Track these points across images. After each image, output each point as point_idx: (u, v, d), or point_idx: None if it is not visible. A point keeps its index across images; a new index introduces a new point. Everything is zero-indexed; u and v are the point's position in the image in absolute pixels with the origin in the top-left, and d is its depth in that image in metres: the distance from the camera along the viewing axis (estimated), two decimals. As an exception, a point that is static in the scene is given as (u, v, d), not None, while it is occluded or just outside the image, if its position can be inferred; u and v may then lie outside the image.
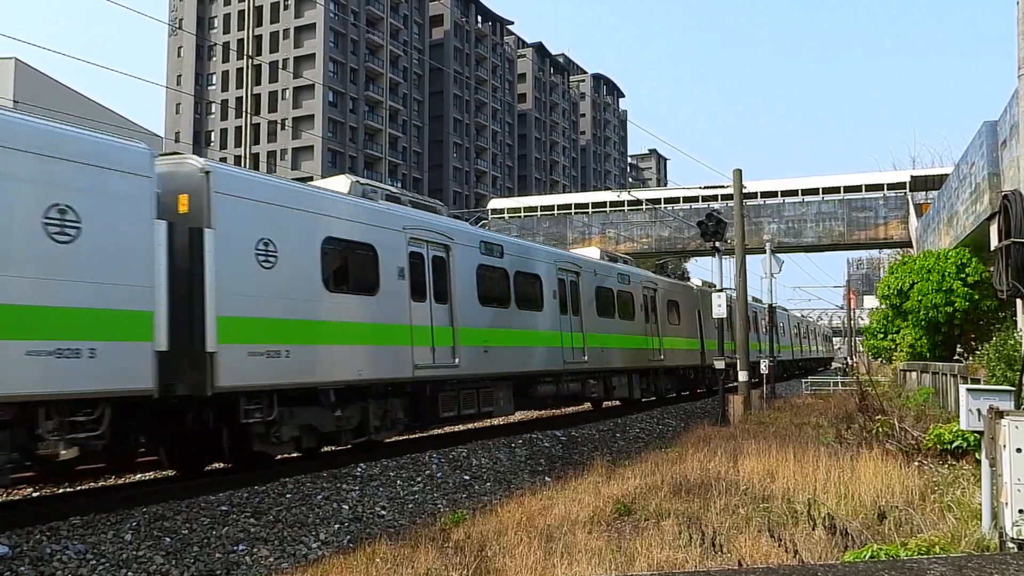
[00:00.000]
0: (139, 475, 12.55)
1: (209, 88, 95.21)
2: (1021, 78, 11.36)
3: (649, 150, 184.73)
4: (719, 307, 22.57)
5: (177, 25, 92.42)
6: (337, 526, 9.70)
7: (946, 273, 22.06)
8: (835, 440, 13.63)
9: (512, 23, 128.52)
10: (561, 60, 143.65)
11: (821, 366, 69.47)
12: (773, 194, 53.22)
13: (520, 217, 58.50)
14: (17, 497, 10.81)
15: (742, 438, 14.54)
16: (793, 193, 53.16)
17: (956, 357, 22.90)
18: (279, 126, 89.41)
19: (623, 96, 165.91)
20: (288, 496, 10.06)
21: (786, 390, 35.62)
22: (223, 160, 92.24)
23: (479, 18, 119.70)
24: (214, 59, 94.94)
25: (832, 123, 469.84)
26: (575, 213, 58.00)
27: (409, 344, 13.09)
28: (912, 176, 50.60)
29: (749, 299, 28.59)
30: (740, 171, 25.60)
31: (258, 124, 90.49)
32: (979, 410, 6.94)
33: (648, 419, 20.98)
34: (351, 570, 7.32)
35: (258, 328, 10.26)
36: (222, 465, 11.73)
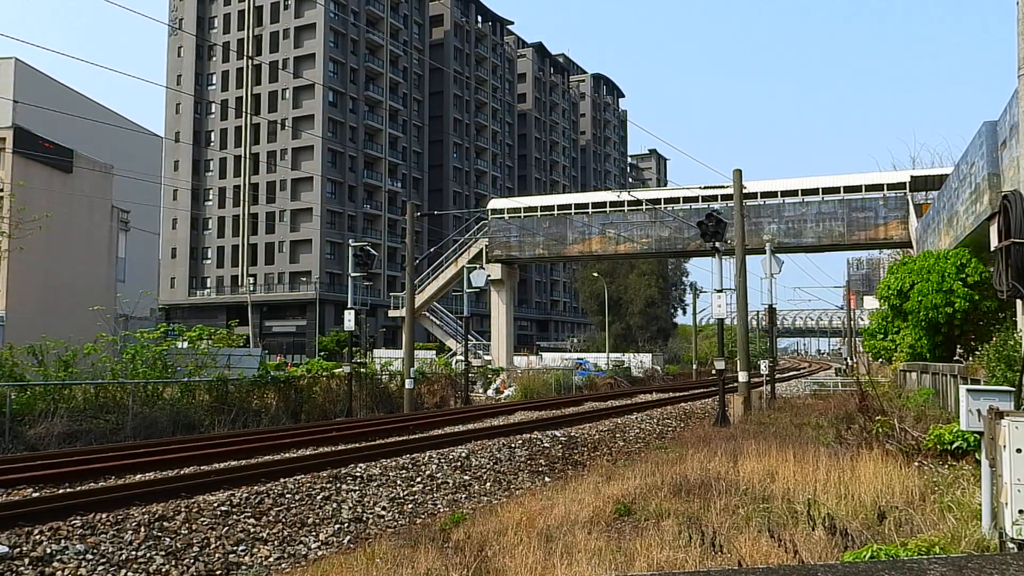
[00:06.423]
0: (139, 475, 12.53)
1: (209, 88, 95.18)
2: (1021, 78, 11.34)
3: (649, 150, 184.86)
4: (719, 307, 22.57)
5: (177, 25, 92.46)
6: (337, 526, 9.70)
7: (946, 273, 22.06)
8: (835, 440, 13.62)
9: (512, 23, 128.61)
10: (561, 60, 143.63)
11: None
12: (773, 194, 53.12)
13: (520, 217, 58.40)
14: (17, 497, 10.79)
15: (742, 438, 14.51)
16: (793, 193, 53.05)
17: (956, 358, 22.91)
18: (279, 126, 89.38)
19: (623, 96, 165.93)
20: (288, 496, 10.05)
21: (786, 391, 35.59)
22: (223, 160, 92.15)
23: (479, 18, 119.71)
24: (214, 59, 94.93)
25: (832, 123, 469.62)
26: (575, 213, 57.91)
27: None
28: (912, 176, 50.49)
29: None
30: (740, 171, 25.62)
31: (258, 124, 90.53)
32: (979, 410, 6.93)
33: (648, 419, 20.97)
34: (351, 570, 7.32)
35: None
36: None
